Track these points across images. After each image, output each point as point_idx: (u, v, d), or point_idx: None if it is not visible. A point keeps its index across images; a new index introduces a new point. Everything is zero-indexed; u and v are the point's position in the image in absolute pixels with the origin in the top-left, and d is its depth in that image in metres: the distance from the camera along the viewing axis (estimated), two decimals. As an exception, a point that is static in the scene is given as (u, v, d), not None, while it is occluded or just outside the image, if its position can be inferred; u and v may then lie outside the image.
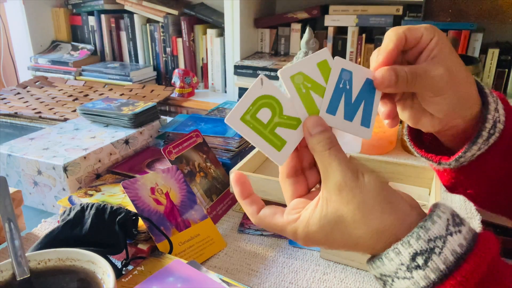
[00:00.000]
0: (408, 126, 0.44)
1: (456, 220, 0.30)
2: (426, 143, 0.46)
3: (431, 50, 0.37)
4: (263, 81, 0.32)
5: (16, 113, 1.16)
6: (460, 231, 0.29)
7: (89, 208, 0.52)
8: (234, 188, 0.37)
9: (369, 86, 0.36)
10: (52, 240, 0.49)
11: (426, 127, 0.41)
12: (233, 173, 0.37)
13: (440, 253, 0.28)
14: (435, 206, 0.31)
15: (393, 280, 0.30)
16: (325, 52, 0.34)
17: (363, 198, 0.31)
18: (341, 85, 0.34)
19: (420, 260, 0.29)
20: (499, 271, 0.29)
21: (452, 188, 0.45)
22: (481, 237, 0.30)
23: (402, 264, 0.29)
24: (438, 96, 0.37)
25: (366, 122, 0.35)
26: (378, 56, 0.37)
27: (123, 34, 1.65)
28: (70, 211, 0.53)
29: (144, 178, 0.61)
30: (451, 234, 0.29)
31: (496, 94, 0.42)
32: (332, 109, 0.34)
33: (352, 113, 0.35)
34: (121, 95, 1.37)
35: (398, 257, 0.29)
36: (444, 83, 0.36)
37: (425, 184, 0.60)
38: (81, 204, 0.53)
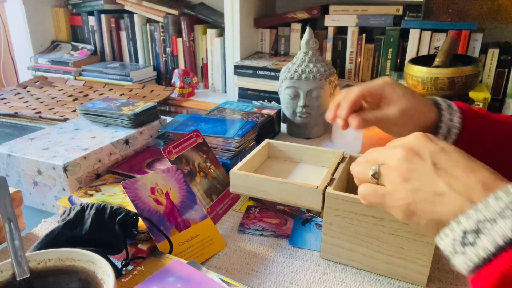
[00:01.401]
0: None
1: None
2: None
3: (387, 98, 0.55)
4: None
5: (16, 113, 1.16)
6: None
7: (89, 208, 0.52)
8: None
9: None
10: (52, 240, 0.49)
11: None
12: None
13: None
14: None
15: (494, 222, 0.31)
16: None
17: None
18: None
19: None
20: None
21: None
22: None
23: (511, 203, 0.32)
24: (397, 125, 0.55)
25: None
26: (342, 105, 0.56)
27: (123, 34, 1.65)
28: (70, 211, 0.53)
29: (144, 178, 0.60)
30: None
31: (459, 105, 0.58)
32: None
33: None
34: (121, 95, 1.37)
35: (508, 196, 0.32)
36: (398, 119, 0.54)
37: None
38: (81, 204, 0.53)
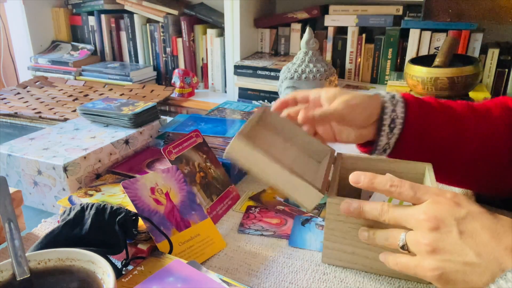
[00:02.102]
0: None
1: None
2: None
3: (327, 100, 0.58)
4: None
5: (16, 113, 1.16)
6: None
7: (89, 208, 0.52)
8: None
9: None
10: (52, 240, 0.49)
11: (352, 142, 0.62)
12: None
13: None
14: None
15: None
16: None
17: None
18: None
19: None
20: None
21: None
22: None
23: None
24: (344, 120, 0.57)
25: None
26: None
27: (123, 34, 1.65)
28: (70, 211, 0.53)
29: (144, 178, 0.60)
30: None
31: (404, 95, 0.59)
32: None
33: None
34: (121, 95, 1.37)
35: None
36: (343, 111, 0.56)
37: (417, 179, 0.61)
38: (81, 204, 0.53)
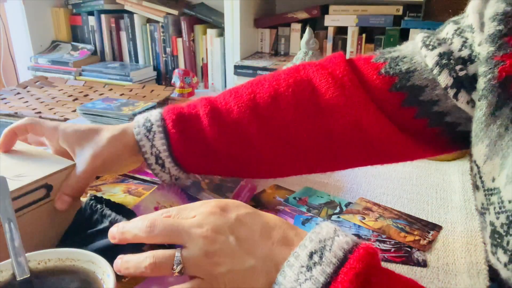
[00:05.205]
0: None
1: (341, 229, 0.35)
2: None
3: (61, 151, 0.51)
4: None
5: (16, 113, 1.16)
6: (346, 235, 0.34)
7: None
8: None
9: None
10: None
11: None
12: None
13: (330, 249, 0.33)
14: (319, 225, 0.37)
15: None
16: None
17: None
18: None
19: (316, 258, 0.33)
20: (379, 262, 0.34)
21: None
22: (361, 244, 0.34)
23: (302, 266, 0.32)
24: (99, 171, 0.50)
25: None
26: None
27: (123, 34, 1.65)
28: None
29: (144, 201, 0.59)
30: (338, 236, 0.34)
31: (165, 115, 0.52)
32: None
33: None
34: (121, 95, 1.37)
35: (297, 260, 0.33)
36: (97, 168, 0.49)
37: None
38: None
